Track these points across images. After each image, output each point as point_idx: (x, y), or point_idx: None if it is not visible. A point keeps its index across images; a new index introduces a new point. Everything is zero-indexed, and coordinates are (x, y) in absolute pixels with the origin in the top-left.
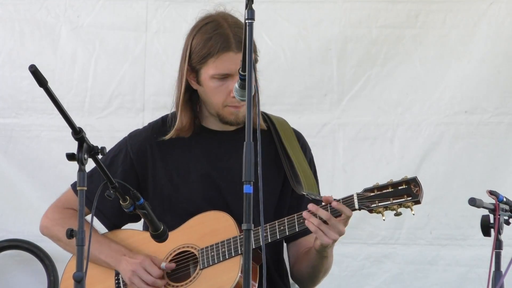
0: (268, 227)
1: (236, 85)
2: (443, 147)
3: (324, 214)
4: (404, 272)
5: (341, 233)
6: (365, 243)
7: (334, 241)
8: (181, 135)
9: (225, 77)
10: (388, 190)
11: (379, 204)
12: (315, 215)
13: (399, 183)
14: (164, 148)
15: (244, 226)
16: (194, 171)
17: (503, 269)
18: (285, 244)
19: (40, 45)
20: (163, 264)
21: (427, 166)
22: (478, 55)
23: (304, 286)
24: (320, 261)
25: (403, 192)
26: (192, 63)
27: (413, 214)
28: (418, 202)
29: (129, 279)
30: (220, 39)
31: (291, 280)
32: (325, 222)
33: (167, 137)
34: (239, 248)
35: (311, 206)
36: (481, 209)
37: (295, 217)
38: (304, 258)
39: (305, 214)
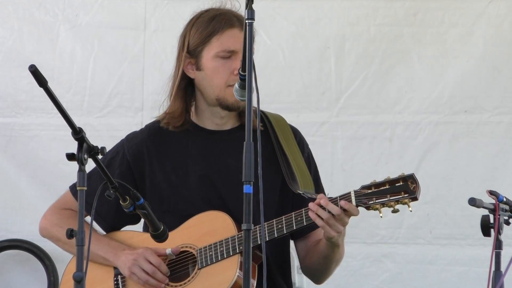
0: (266, 225)
1: (236, 85)
2: (442, 147)
3: (335, 209)
4: (404, 272)
5: (345, 225)
6: (365, 242)
7: (339, 233)
8: (170, 122)
9: (229, 54)
10: (385, 187)
11: (376, 201)
12: (323, 208)
13: (396, 180)
14: (161, 149)
15: (244, 226)
16: (192, 172)
17: (503, 269)
18: (291, 241)
19: (39, 44)
20: (169, 250)
21: (427, 166)
22: (477, 54)
23: (316, 279)
24: (332, 250)
25: (400, 189)
26: (191, 48)
27: (411, 211)
28: (415, 199)
29: (129, 269)
30: (225, 18)
31: (294, 279)
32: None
33: (156, 119)
34: (237, 247)
35: (323, 201)
36: (481, 208)
37: (293, 215)
38: (315, 250)
39: (313, 208)
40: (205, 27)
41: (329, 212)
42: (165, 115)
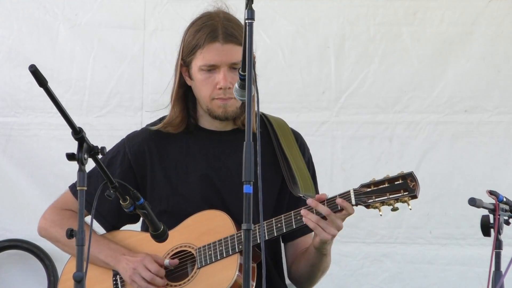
0: (265, 224)
1: (236, 85)
2: (442, 146)
3: (323, 209)
4: (404, 271)
5: (339, 228)
6: (364, 242)
7: (333, 236)
8: (169, 130)
9: (212, 68)
10: (384, 185)
11: (376, 199)
12: (313, 211)
13: (396, 178)
14: (162, 148)
15: (244, 226)
16: (192, 171)
17: (503, 269)
18: (282, 244)
19: (39, 44)
20: (167, 261)
21: (427, 166)
22: (477, 53)
23: (301, 286)
24: (319, 259)
25: (400, 187)
26: (184, 56)
27: (410, 209)
28: (414, 197)
29: (129, 277)
30: (208, 30)
31: (287, 281)
32: (323, 218)
33: (154, 128)
34: (236, 246)
35: (310, 201)
36: (481, 208)
37: (292, 214)
38: (302, 257)
39: (303, 211)
40: (192, 39)
41: (319, 213)
42: (163, 125)
